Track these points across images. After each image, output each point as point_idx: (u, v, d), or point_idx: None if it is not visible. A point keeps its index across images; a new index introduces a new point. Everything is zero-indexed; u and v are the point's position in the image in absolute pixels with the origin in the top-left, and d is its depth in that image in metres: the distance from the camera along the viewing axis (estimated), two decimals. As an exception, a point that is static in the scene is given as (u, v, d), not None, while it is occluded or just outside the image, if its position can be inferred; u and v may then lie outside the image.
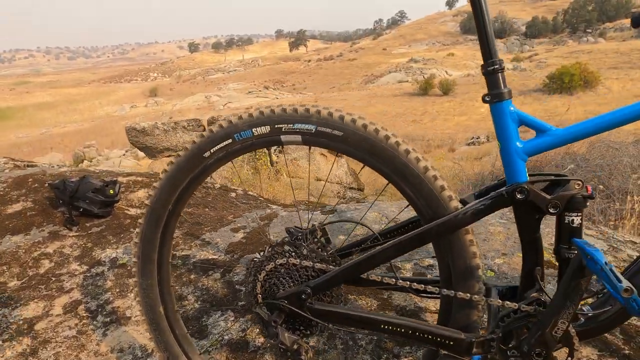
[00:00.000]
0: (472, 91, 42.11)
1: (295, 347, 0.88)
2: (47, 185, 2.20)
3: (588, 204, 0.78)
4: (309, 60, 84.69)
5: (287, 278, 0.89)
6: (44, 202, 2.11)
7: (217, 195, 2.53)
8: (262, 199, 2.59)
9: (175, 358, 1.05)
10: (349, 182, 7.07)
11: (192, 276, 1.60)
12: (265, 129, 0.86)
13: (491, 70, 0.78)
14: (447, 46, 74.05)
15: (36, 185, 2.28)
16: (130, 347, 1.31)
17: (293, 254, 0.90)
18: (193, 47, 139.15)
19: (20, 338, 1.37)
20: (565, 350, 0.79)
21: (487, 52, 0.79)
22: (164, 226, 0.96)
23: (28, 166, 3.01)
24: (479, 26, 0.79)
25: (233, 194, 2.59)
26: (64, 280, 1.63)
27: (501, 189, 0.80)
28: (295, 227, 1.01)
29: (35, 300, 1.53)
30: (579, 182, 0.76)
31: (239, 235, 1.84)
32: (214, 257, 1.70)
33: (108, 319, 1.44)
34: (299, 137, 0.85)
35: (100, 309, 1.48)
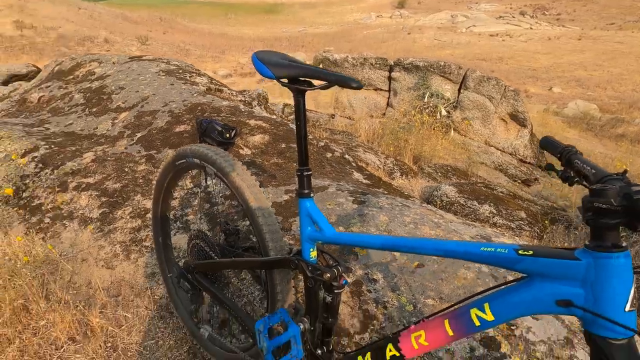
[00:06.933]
0: None
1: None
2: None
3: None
4: (591, -16, 68.62)
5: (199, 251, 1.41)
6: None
7: (316, 152, 3.00)
8: (351, 166, 2.93)
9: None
10: (525, 155, 6.34)
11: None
12: (197, 161, 1.30)
13: (300, 175, 1.01)
14: None
15: (199, 113, 3.19)
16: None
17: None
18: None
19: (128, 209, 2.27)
20: None
21: (302, 160, 1.00)
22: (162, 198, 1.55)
23: (217, 90, 4.05)
24: (299, 136, 1.00)
25: (329, 154, 3.02)
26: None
27: (289, 255, 1.06)
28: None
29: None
30: (329, 274, 0.96)
31: (285, 197, 2.32)
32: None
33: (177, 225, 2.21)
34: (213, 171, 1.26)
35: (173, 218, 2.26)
